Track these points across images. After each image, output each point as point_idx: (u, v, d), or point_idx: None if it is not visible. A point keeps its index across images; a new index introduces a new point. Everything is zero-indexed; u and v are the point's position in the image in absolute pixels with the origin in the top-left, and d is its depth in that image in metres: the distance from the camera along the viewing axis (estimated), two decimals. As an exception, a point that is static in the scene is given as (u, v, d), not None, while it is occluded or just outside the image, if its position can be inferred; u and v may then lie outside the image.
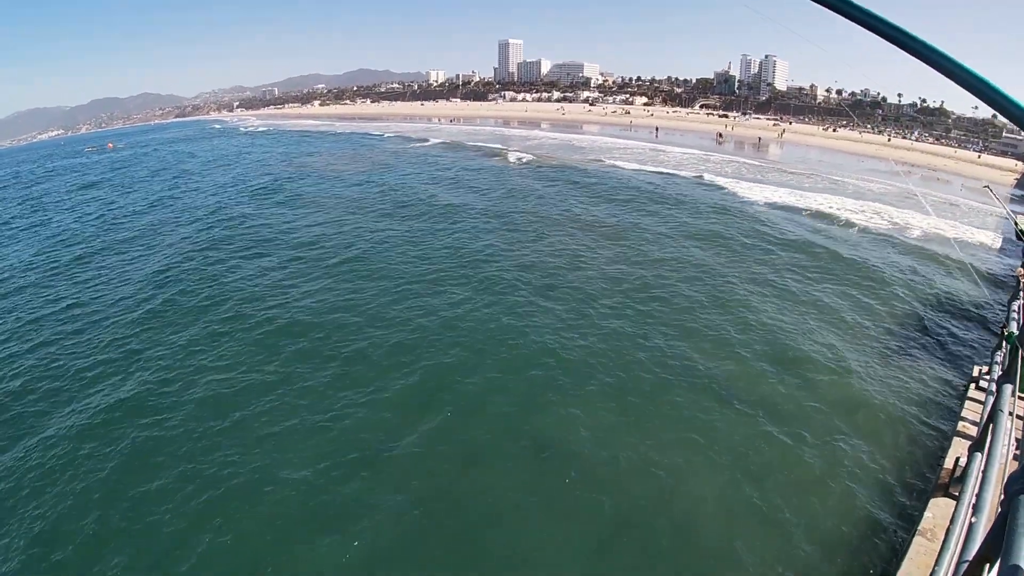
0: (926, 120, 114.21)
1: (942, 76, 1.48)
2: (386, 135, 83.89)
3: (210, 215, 31.28)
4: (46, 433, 11.74)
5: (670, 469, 10.11)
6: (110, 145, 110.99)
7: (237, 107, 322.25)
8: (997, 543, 2.11)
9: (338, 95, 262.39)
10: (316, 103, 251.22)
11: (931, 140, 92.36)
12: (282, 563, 8.25)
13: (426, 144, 68.26)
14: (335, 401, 12.18)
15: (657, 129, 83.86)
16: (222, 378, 13.34)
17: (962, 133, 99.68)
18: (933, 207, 32.71)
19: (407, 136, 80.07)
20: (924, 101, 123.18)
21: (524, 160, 50.20)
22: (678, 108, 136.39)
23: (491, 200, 32.62)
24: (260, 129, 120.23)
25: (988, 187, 20.01)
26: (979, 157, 70.31)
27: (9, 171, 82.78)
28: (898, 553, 7.86)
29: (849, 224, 27.39)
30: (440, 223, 27.30)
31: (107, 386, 13.44)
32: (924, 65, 1.52)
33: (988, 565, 2.27)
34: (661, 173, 42.41)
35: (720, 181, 38.87)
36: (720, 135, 79.16)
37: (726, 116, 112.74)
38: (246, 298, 18.08)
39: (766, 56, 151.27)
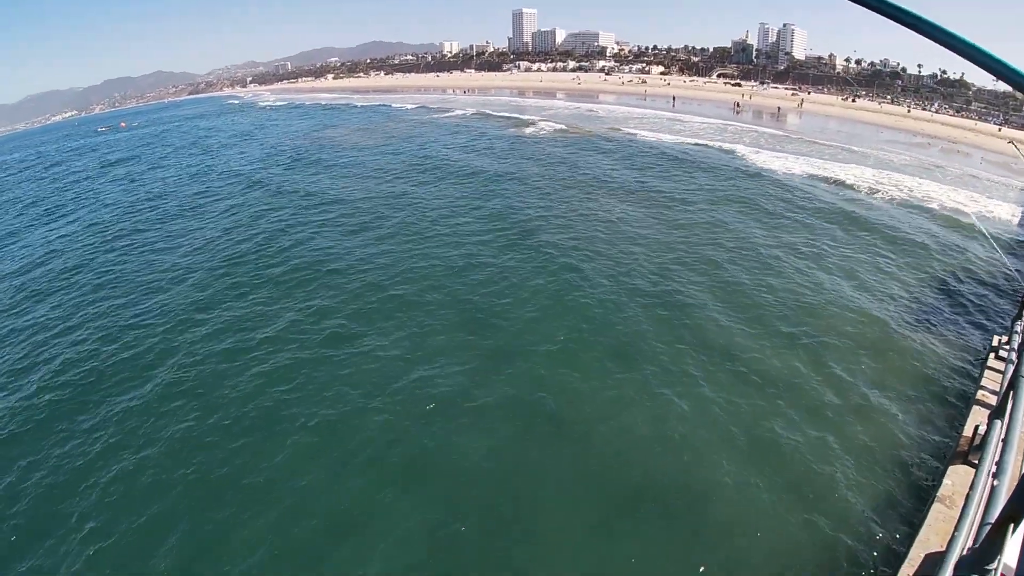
0: (946, 92, 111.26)
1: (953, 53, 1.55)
2: (406, 107, 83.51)
3: (259, 187, 32.52)
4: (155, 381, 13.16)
5: (686, 436, 10.15)
6: (122, 124, 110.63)
7: (250, 83, 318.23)
8: (1022, 504, 2.34)
9: (351, 68, 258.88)
10: (329, 77, 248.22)
11: (951, 112, 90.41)
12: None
13: (448, 115, 68.25)
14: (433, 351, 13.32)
15: (674, 98, 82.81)
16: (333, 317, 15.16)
17: (983, 106, 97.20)
18: (954, 179, 32.80)
19: (428, 107, 79.89)
20: (944, 72, 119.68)
21: (546, 129, 50.52)
22: (695, 77, 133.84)
23: (516, 167, 33.48)
24: (278, 104, 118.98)
25: (1013, 142, 20.30)
26: (999, 130, 69.09)
27: (32, 151, 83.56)
28: (916, 520, 7.90)
29: (870, 193, 27.60)
30: (479, 189, 28.72)
31: (214, 321, 15.45)
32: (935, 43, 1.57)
33: (1013, 525, 2.37)
34: (681, 143, 42.62)
35: (740, 150, 38.98)
36: (737, 104, 78.14)
37: (739, 85, 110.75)
38: (334, 260, 19.39)
39: (784, 24, 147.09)
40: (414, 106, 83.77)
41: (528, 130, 50.76)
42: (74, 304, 17.89)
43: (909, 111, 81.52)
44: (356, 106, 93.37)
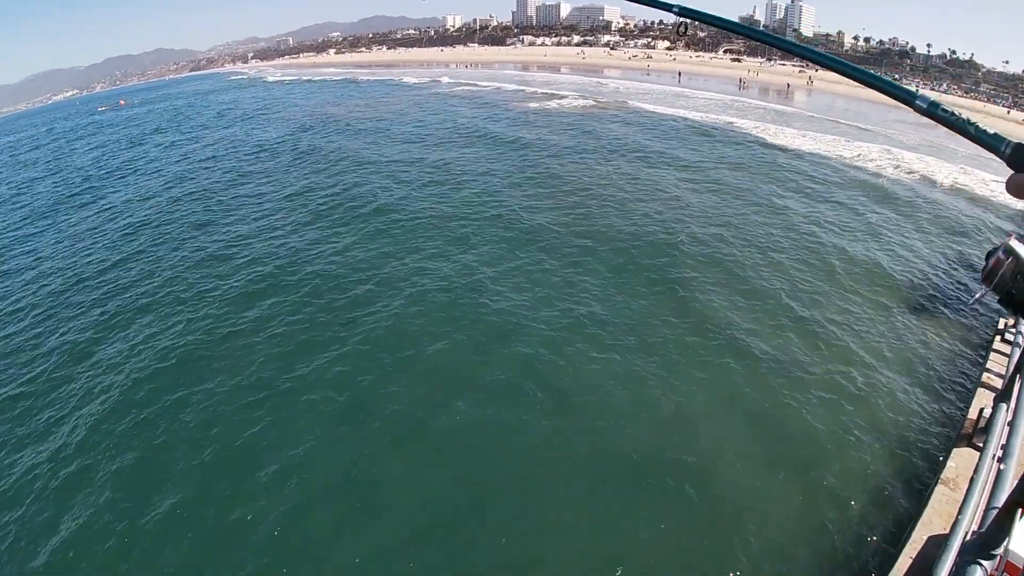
0: (955, 72, 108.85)
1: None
2: (415, 81, 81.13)
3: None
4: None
5: (688, 416, 10.01)
6: (121, 103, 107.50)
7: (252, 58, 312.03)
8: None
9: (353, 43, 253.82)
10: (331, 52, 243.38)
11: (959, 93, 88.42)
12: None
13: (458, 88, 66.76)
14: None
15: (680, 74, 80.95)
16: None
17: (992, 87, 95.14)
18: (962, 160, 31.98)
19: (437, 81, 77.56)
20: (954, 52, 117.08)
21: (556, 103, 49.33)
22: (701, 53, 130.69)
23: (537, 135, 32.79)
24: (285, 79, 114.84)
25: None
26: (1008, 113, 67.56)
27: (44, 129, 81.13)
28: (919, 502, 7.83)
29: (878, 173, 26.73)
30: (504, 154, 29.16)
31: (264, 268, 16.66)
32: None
33: (1021, 511, 2.31)
34: (688, 118, 41.51)
35: (746, 125, 38.07)
36: (742, 80, 76.38)
37: (738, 60, 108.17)
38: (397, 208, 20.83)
39: (792, 0, 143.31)
40: (422, 80, 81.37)
41: (535, 104, 49.46)
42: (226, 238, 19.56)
43: (918, 90, 79.31)
44: (365, 80, 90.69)
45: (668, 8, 3.08)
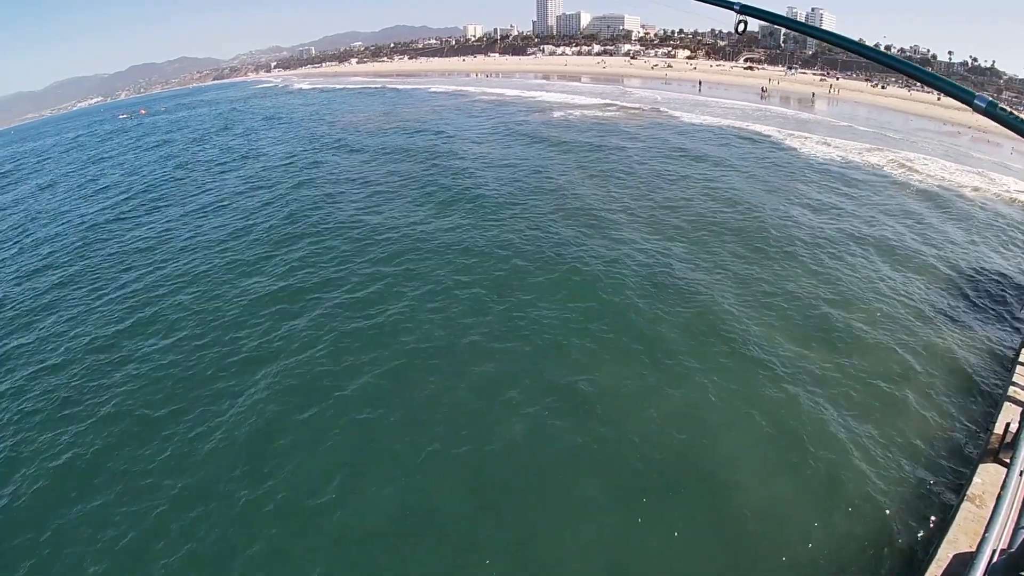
0: (977, 80, 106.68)
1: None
2: (442, 89, 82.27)
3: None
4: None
5: (709, 424, 9.86)
6: (143, 111, 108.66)
7: (275, 67, 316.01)
8: None
9: (375, 53, 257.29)
10: (353, 61, 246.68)
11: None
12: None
13: (483, 99, 67.66)
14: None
15: (700, 83, 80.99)
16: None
17: (1014, 95, 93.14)
18: (990, 166, 31.81)
19: (465, 91, 77.89)
20: (975, 60, 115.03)
21: (578, 112, 50.08)
22: (721, 62, 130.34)
23: (555, 145, 33.57)
24: (312, 88, 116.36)
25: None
26: (1033, 118, 66.27)
27: (82, 132, 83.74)
28: (944, 519, 7.60)
29: (905, 183, 26.69)
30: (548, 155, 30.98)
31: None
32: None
33: None
34: (711, 125, 41.90)
35: (765, 130, 38.40)
36: (764, 90, 76.20)
37: (752, 68, 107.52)
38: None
39: (812, 8, 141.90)
40: (449, 89, 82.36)
41: (557, 114, 50.23)
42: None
43: (939, 99, 78.39)
44: (394, 89, 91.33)
45: (730, 6, 3.13)
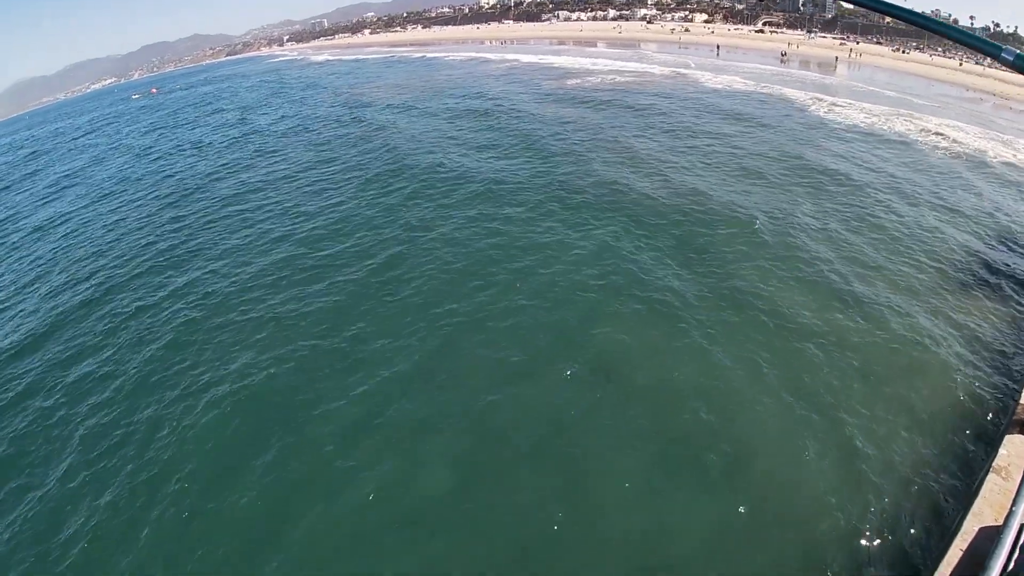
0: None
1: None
2: (456, 58, 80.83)
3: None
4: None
5: (728, 391, 9.66)
6: (153, 91, 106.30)
7: (288, 41, 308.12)
8: None
9: (388, 23, 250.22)
10: (366, 32, 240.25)
11: (1004, 68, 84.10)
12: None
13: (504, 65, 66.97)
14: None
15: (719, 47, 79.25)
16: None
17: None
18: (1013, 133, 31.47)
19: (484, 59, 76.57)
20: (997, 25, 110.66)
21: (600, 76, 49.72)
22: (740, 26, 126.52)
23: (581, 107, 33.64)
24: (330, 60, 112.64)
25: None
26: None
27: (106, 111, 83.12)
28: (969, 492, 7.38)
29: (932, 148, 26.41)
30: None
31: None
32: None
33: None
34: (733, 89, 41.60)
35: (790, 94, 38.18)
36: (784, 54, 74.43)
37: (761, 31, 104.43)
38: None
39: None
40: (468, 57, 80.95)
41: (574, 81, 49.88)
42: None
43: (961, 64, 76.37)
44: (415, 59, 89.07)
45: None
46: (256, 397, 10.43)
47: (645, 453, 8.64)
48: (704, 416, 9.19)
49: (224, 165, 29.06)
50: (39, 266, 19.61)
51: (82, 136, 56.00)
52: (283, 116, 41.91)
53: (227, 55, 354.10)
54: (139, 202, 25.24)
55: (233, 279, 15.48)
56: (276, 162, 27.94)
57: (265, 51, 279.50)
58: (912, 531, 7.31)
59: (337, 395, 10.28)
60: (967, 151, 26.34)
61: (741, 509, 7.64)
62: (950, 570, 5.77)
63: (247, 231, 18.92)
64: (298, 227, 18.54)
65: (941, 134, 28.79)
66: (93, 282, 17.04)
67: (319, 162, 26.66)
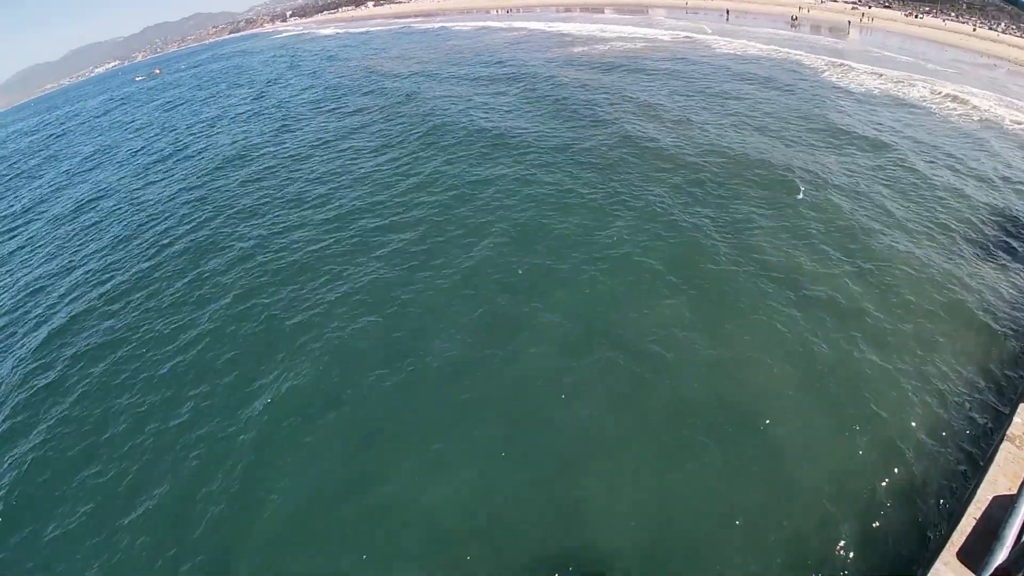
0: (1014, 11, 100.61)
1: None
2: (461, 28, 79.50)
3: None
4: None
5: (741, 361, 9.66)
6: (157, 71, 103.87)
7: (291, 16, 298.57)
8: None
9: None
10: (370, 4, 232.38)
11: (1019, 33, 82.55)
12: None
13: (514, 34, 66.07)
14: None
15: (728, 12, 77.91)
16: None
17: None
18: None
19: (490, 28, 75.11)
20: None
21: (616, 43, 49.49)
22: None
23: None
24: (337, 33, 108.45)
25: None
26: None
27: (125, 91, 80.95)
28: (983, 459, 7.38)
29: (949, 113, 26.40)
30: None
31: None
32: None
33: None
34: (746, 54, 41.51)
35: (803, 59, 38.16)
36: (794, 18, 73.31)
37: None
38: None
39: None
40: (476, 26, 79.11)
41: (584, 48, 49.57)
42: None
43: (975, 29, 75.05)
44: (421, 29, 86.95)
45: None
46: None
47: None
48: (722, 385, 9.32)
49: (268, 135, 29.83)
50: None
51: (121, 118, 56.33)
52: (309, 87, 42.38)
53: (230, 32, 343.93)
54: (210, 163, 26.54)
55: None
56: (329, 126, 28.87)
57: (269, 27, 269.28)
58: (926, 498, 7.30)
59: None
60: (985, 116, 26.47)
61: (757, 472, 7.78)
62: (963, 538, 5.70)
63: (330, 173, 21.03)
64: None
65: (958, 99, 28.92)
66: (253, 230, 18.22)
67: (361, 126, 27.61)
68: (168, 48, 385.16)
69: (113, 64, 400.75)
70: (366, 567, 7.22)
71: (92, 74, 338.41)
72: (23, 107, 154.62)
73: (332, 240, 16.11)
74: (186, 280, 15.44)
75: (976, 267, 12.49)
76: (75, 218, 23.11)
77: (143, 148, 32.90)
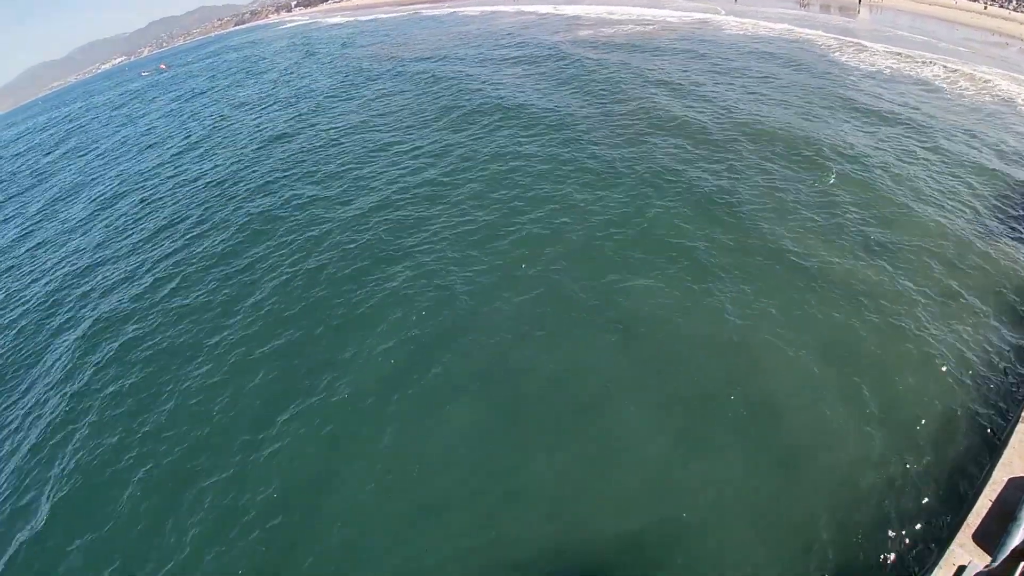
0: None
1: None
2: (470, 13, 79.10)
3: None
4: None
5: (755, 342, 9.62)
6: (162, 66, 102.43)
7: (296, 6, 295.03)
8: None
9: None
10: None
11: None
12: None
13: (522, 18, 66.06)
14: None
15: (737, -8, 77.12)
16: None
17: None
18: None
19: (499, 12, 74.27)
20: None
21: (622, 29, 49.58)
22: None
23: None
24: (346, 21, 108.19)
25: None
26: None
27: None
28: (999, 441, 7.33)
29: (962, 92, 26.51)
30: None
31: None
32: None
33: None
34: (757, 34, 41.72)
35: (816, 39, 38.41)
36: (804, -3, 72.54)
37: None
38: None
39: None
40: (486, 11, 78.51)
41: (596, 30, 49.74)
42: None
43: (986, 7, 74.00)
44: (430, 15, 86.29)
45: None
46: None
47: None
48: (738, 371, 9.36)
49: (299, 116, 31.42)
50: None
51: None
52: (336, 71, 43.24)
53: (235, 24, 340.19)
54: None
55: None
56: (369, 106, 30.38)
57: (274, 18, 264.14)
58: (941, 480, 7.27)
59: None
60: (998, 95, 26.47)
61: (772, 455, 7.85)
62: (979, 519, 5.62)
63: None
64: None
65: (971, 77, 29.15)
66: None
67: (398, 108, 28.89)
68: (174, 42, 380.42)
69: (119, 60, 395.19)
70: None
71: (99, 71, 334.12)
72: (30, 105, 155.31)
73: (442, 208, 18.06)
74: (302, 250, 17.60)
75: (992, 247, 12.30)
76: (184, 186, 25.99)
77: (183, 138, 34.50)
